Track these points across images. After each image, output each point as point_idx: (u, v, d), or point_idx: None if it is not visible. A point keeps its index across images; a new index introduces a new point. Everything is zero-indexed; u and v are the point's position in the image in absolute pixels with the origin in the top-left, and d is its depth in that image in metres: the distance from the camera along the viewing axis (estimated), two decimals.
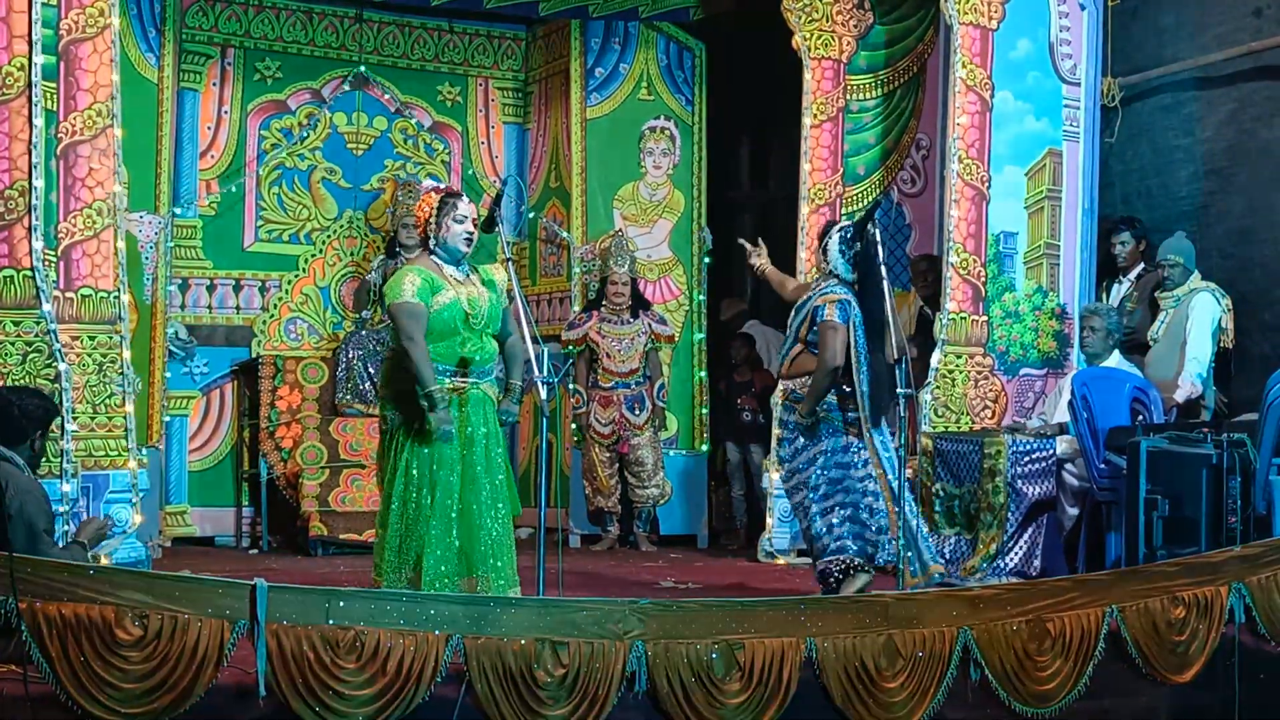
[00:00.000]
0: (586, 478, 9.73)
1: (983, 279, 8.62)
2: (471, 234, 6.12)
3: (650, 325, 9.75)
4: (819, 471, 6.93)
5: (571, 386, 9.64)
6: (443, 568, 5.98)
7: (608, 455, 9.65)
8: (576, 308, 10.12)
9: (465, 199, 6.23)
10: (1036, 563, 7.71)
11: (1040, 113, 8.91)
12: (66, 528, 6.65)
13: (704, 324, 10.62)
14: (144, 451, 7.87)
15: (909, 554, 6.77)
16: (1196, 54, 9.00)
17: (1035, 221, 8.90)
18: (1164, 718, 5.64)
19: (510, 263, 6.20)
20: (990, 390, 8.62)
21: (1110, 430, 7.42)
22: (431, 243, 6.13)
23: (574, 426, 9.85)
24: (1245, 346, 8.47)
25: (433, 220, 6.11)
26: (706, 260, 10.63)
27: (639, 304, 9.78)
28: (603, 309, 9.67)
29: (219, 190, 10.00)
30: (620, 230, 10.14)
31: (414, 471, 6.01)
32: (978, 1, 8.61)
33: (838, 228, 7.05)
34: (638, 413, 9.63)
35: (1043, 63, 8.90)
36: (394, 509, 6.05)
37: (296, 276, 10.30)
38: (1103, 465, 7.42)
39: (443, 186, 6.54)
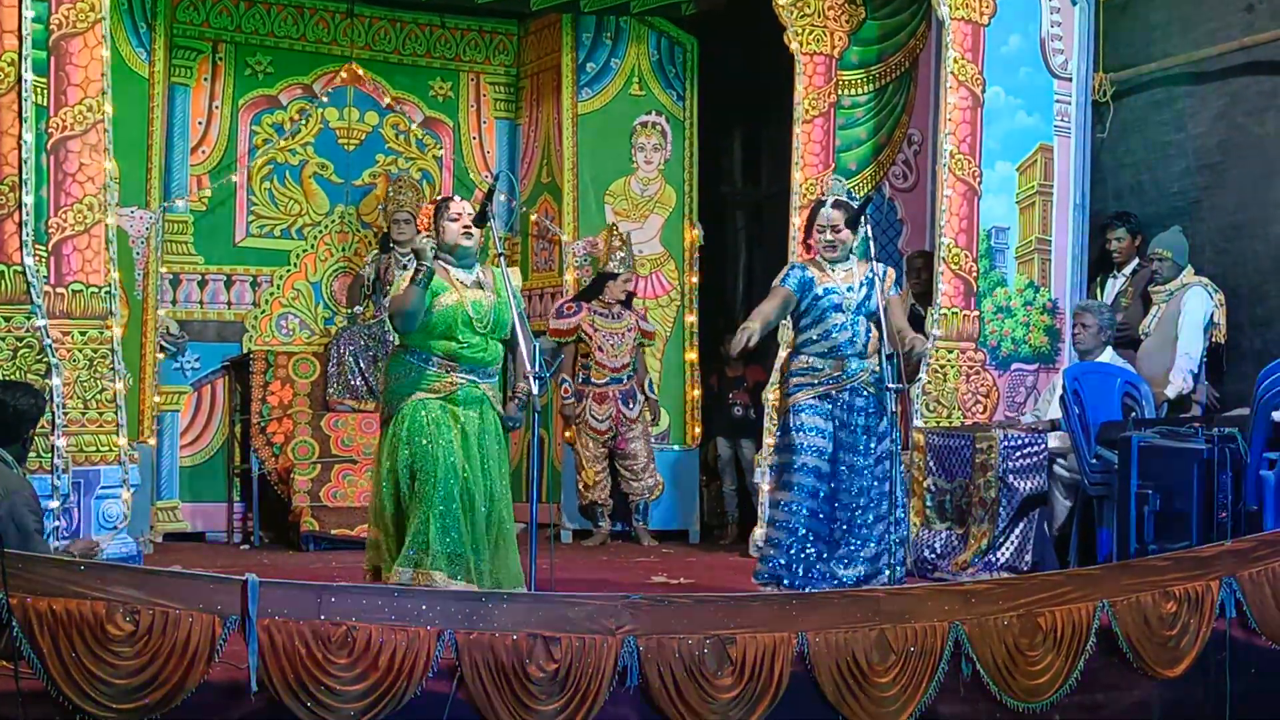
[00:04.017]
0: (577, 472, 9.74)
1: (974, 274, 8.62)
2: (468, 229, 6.19)
3: (637, 322, 9.79)
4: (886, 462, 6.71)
5: (561, 378, 9.66)
6: (447, 545, 6.01)
7: (600, 450, 9.66)
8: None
9: (456, 198, 6.40)
10: (1028, 557, 7.72)
11: (1032, 108, 8.90)
12: (59, 523, 6.65)
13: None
14: (135, 447, 7.87)
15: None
16: (1188, 49, 9.00)
17: (1027, 217, 8.90)
18: (1155, 712, 5.64)
19: (503, 258, 6.22)
20: (982, 385, 8.63)
21: (1102, 425, 7.43)
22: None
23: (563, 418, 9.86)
24: (1237, 341, 8.48)
25: (432, 227, 6.25)
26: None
27: (627, 300, 9.83)
28: (595, 303, 9.69)
29: (210, 185, 10.00)
30: (615, 226, 10.16)
31: (413, 464, 6.04)
32: None
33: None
34: (631, 407, 9.66)
35: (1034, 58, 8.90)
36: (388, 502, 6.10)
37: (288, 272, 10.30)
38: (1094, 460, 7.42)
39: (438, 197, 6.67)
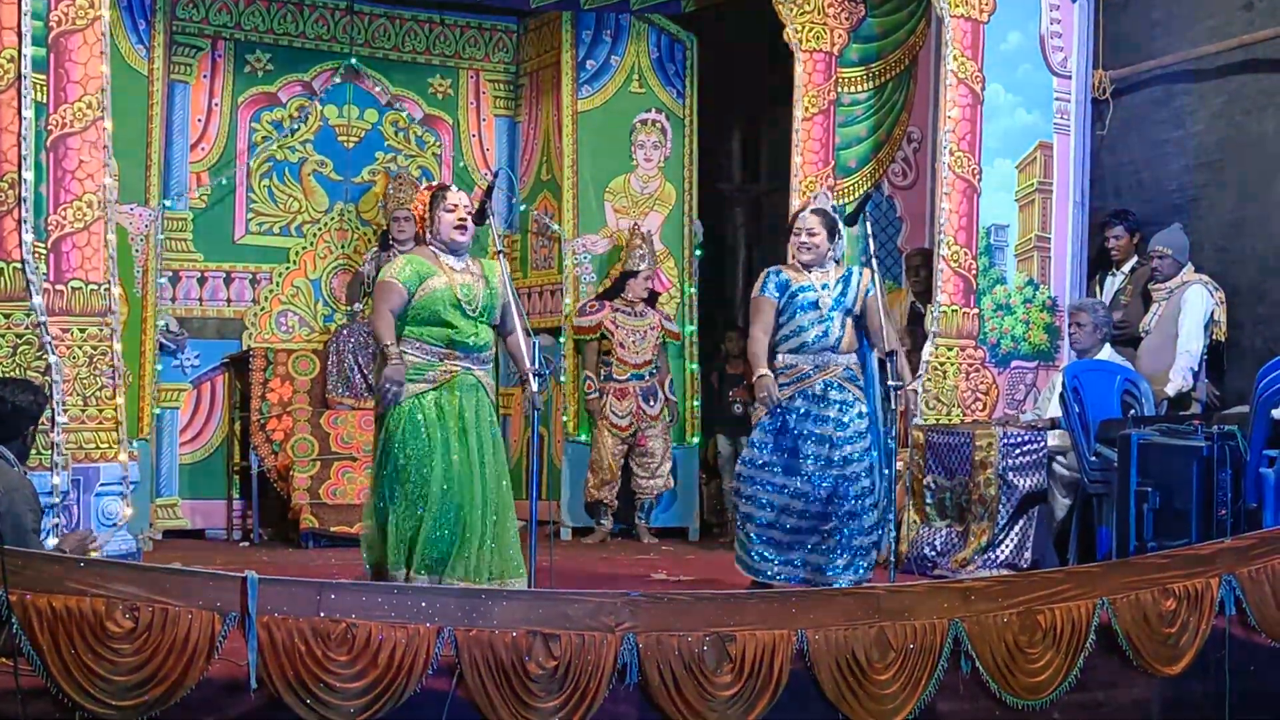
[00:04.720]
0: (593, 469, 9.75)
1: (974, 271, 8.62)
2: (463, 221, 6.22)
3: (660, 321, 9.85)
4: (874, 452, 6.85)
5: (585, 375, 9.73)
6: (435, 550, 6.02)
7: (621, 447, 9.69)
8: (568, 299, 10.15)
9: (454, 189, 6.42)
10: (1027, 555, 7.73)
11: (1031, 105, 8.91)
12: (58, 520, 6.64)
13: (695, 316, 10.62)
14: (135, 444, 7.86)
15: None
16: (1188, 47, 8.99)
17: (1026, 214, 8.91)
18: (1155, 709, 5.64)
19: (502, 255, 6.22)
20: (981, 383, 8.63)
21: (1101, 422, 7.43)
22: (428, 236, 6.29)
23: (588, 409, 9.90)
24: (1237, 339, 8.47)
25: (427, 215, 6.29)
26: (698, 253, 10.65)
27: (650, 298, 9.89)
28: (617, 301, 9.75)
29: (209, 183, 9.99)
30: (638, 224, 10.17)
31: (407, 455, 6.04)
32: None
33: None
34: (652, 404, 9.73)
35: (1034, 55, 8.91)
36: (383, 494, 6.12)
37: (287, 269, 10.29)
38: (1094, 458, 7.42)
39: (434, 183, 6.68)
